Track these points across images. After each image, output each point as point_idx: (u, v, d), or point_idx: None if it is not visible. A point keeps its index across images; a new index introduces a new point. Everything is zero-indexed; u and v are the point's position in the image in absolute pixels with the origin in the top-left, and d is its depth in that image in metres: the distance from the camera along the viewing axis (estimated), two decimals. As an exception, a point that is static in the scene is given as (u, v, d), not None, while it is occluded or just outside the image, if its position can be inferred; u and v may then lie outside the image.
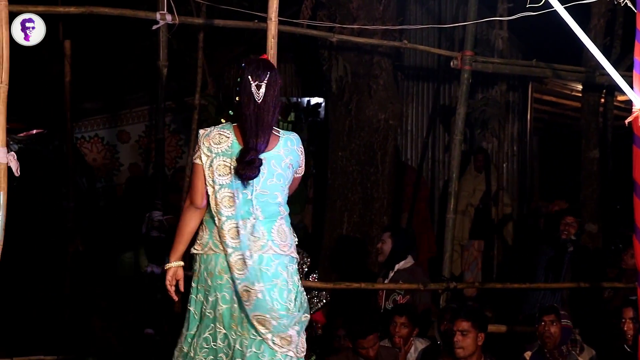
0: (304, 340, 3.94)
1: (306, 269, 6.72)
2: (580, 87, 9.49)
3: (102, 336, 6.76)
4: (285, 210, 3.95)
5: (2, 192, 3.66)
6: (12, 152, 3.77)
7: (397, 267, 7.06)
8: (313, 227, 10.07)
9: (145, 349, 6.66)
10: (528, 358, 5.95)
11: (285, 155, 3.91)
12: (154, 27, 6.78)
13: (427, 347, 6.31)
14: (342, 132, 8.66)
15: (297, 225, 7.98)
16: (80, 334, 7.73)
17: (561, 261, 7.55)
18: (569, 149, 10.28)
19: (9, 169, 3.72)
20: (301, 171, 4.04)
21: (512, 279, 8.46)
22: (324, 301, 6.78)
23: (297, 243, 4.00)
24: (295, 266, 3.96)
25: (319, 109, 11.33)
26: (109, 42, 10.91)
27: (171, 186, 9.57)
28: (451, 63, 7.28)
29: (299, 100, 11.56)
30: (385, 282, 7.08)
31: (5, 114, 3.73)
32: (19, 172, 3.74)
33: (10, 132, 4.83)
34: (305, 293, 4.00)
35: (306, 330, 3.98)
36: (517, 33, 10.03)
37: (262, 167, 3.82)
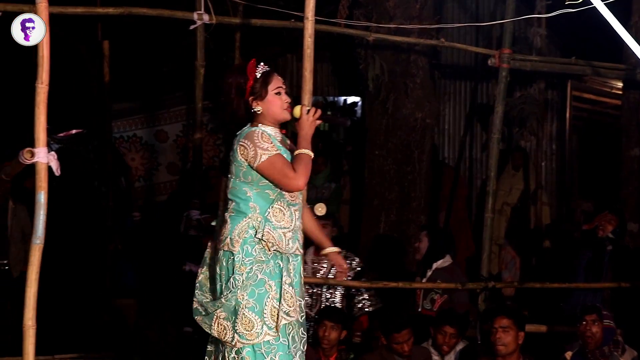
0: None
1: (358, 269, 6.79)
2: (620, 84, 9.39)
3: (145, 334, 6.82)
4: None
5: (43, 192, 3.70)
6: (53, 152, 3.81)
7: (434, 266, 7.04)
8: (349, 227, 10.07)
9: (184, 347, 6.70)
10: (569, 358, 5.90)
11: None
12: (192, 27, 6.83)
13: (465, 348, 6.30)
14: (379, 131, 8.64)
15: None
16: (122, 332, 7.80)
17: (601, 261, 7.47)
18: (609, 147, 10.17)
19: (50, 168, 3.76)
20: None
21: (550, 279, 8.40)
22: (372, 307, 6.83)
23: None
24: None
25: (356, 108, 11.32)
26: (147, 43, 10.99)
27: (210, 185, 9.60)
28: (489, 61, 7.24)
29: (336, 99, 11.56)
30: (423, 281, 7.06)
31: (45, 114, 3.77)
32: (59, 172, 3.78)
33: (50, 132, 4.88)
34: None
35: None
36: (555, 30, 9.95)
37: None
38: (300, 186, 4.05)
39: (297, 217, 4.14)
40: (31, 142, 3.81)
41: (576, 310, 6.73)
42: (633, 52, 4.48)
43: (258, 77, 4.09)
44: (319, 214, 6.27)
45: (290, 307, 4.00)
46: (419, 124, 8.59)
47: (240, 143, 4.04)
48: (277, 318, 3.97)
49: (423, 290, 7.01)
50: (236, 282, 3.98)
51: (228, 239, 4.03)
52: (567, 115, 10.67)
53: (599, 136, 11.36)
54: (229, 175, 4.12)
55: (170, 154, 10.93)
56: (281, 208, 4.08)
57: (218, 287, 4.08)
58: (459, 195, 10.15)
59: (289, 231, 4.08)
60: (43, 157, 3.74)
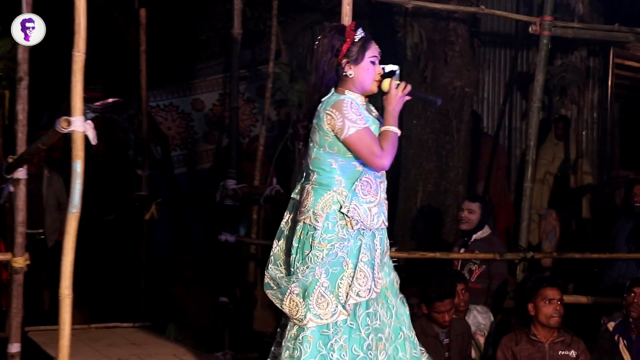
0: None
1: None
2: (664, 52, 9.26)
3: (182, 304, 6.87)
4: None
5: (79, 161, 3.71)
6: (89, 121, 3.82)
7: (474, 237, 7.01)
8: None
9: (220, 316, 6.74)
10: (611, 329, 5.87)
11: None
12: (228, -6, 6.80)
13: (502, 320, 6.29)
14: (418, 101, 8.59)
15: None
16: (160, 301, 7.86)
17: (641, 231, 7.41)
18: (652, 115, 10.06)
19: (86, 137, 3.77)
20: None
21: (590, 249, 8.34)
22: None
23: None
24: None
25: (394, 76, 11.26)
26: (183, 11, 11.00)
27: (246, 155, 9.63)
28: (529, 29, 7.14)
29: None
30: (462, 251, 7.04)
31: (82, 82, 3.77)
32: (95, 141, 3.79)
33: (87, 101, 4.89)
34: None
35: None
36: (598, -4, 9.82)
37: None
38: (386, 165, 3.94)
39: (382, 189, 4.04)
40: (68, 111, 3.82)
41: (617, 281, 6.68)
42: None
43: (356, 40, 4.00)
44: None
45: (361, 286, 3.88)
46: (457, 93, 8.53)
47: (328, 112, 3.92)
48: (346, 297, 3.87)
49: (461, 261, 6.99)
50: (315, 257, 3.89)
51: (310, 212, 3.93)
52: (609, 83, 10.53)
53: (642, 105, 11.22)
54: (311, 144, 4.01)
55: (206, 122, 10.96)
56: (368, 181, 3.97)
57: (294, 260, 3.98)
58: (499, 165, 10.09)
59: (375, 205, 3.96)
60: (80, 125, 3.75)
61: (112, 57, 10.76)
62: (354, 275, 3.87)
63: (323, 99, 4.00)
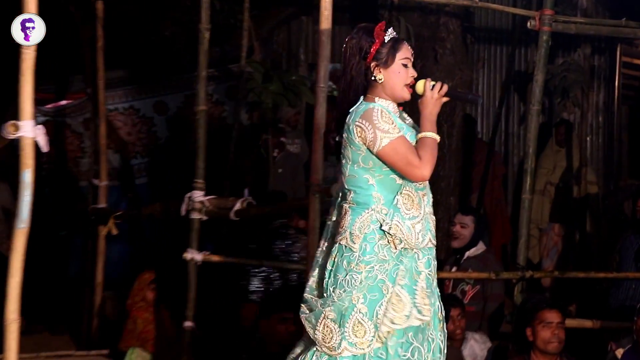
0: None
1: None
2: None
3: (144, 329, 6.84)
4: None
5: (29, 170, 3.70)
6: (40, 126, 3.81)
7: (467, 254, 7.03)
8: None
9: (186, 343, 6.71)
10: (619, 356, 5.89)
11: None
12: (195, -15, 6.81)
13: (498, 346, 6.30)
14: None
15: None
16: (118, 326, 7.81)
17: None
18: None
19: (37, 144, 3.77)
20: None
21: (595, 267, 8.38)
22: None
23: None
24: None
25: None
26: (145, 4, 10.98)
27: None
28: (528, 24, 7.19)
29: (356, 66, 11.53)
30: (454, 270, 7.06)
31: (32, 82, 3.76)
32: (47, 148, 3.78)
33: (37, 103, 4.87)
34: None
35: None
36: (603, -11, 9.92)
37: None
38: (426, 176, 3.95)
39: (426, 202, 4.06)
40: (16, 115, 3.81)
41: (625, 303, 6.70)
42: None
43: (386, 41, 4.03)
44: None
45: (396, 313, 3.88)
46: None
47: (357, 123, 3.94)
48: (380, 324, 3.88)
49: (453, 281, 7.01)
50: (353, 280, 3.88)
51: (347, 233, 3.94)
52: (616, 84, 10.63)
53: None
54: (343, 161, 4.03)
55: (170, 127, 10.92)
56: (409, 194, 4.00)
57: (327, 284, 3.98)
58: (494, 174, 10.13)
59: (419, 221, 3.97)
60: (29, 131, 3.74)
61: (65, 54, 10.71)
62: (389, 300, 3.88)
63: (351, 109, 4.03)
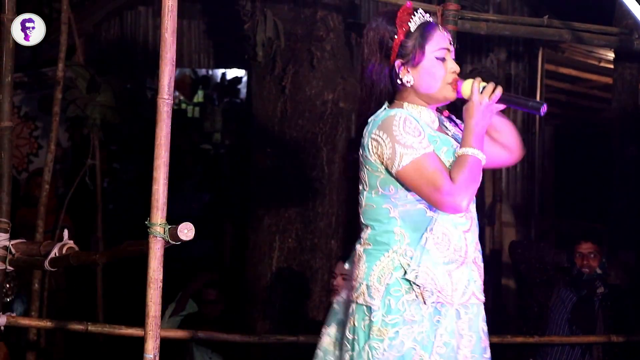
0: None
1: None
2: (611, 55, 9.59)
3: None
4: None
5: None
6: None
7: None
8: (230, 256, 10.06)
9: None
10: None
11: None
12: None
13: None
14: (273, 120, 8.67)
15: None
16: None
17: (591, 308, 7.52)
18: (597, 143, 10.38)
19: None
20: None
21: (514, 330, 8.51)
22: None
23: None
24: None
25: (239, 86, 11.32)
26: None
27: (24, 198, 9.48)
28: (428, 21, 7.32)
29: (210, 73, 11.55)
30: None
31: None
32: None
33: None
34: None
35: None
36: (522, -21, 10.16)
37: None
38: (458, 205, 3.72)
39: (470, 242, 3.87)
40: None
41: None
42: (629, 11, 4.58)
43: (412, 30, 3.85)
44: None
45: None
46: (329, 109, 8.64)
47: (373, 136, 3.79)
48: None
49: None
50: (374, 351, 3.72)
51: (363, 286, 3.82)
52: (538, 97, 10.85)
53: (583, 128, 11.59)
54: (360, 187, 3.92)
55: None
56: (445, 231, 3.80)
57: (347, 356, 3.86)
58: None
59: (457, 267, 3.81)
60: None
61: None
62: None
63: (370, 119, 3.89)
